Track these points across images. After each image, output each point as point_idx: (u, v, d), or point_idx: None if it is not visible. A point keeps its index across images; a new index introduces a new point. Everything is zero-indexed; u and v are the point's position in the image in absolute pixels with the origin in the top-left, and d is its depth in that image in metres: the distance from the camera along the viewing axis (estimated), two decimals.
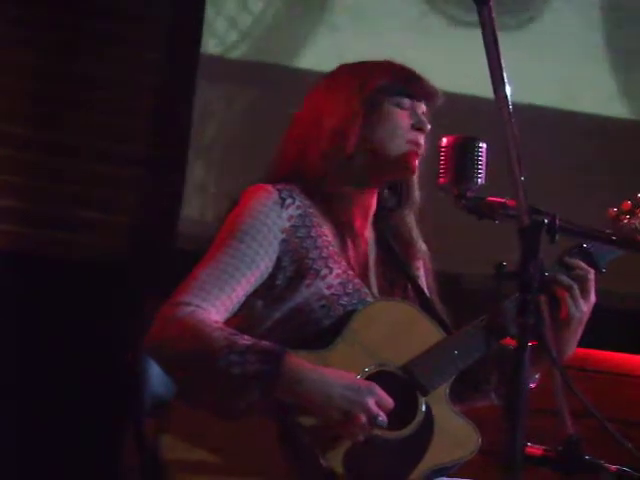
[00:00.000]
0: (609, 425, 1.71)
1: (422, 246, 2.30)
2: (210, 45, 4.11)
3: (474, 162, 2.02)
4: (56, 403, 3.68)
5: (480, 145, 2.04)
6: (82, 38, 4.00)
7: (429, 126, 2.18)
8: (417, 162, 2.17)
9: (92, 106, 4.01)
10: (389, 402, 1.99)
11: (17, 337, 3.73)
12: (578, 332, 2.15)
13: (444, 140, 2.06)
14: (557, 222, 1.64)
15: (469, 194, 2.00)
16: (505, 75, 1.59)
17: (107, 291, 3.83)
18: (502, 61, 1.59)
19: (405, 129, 2.17)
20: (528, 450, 1.86)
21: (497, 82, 1.58)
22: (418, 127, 2.17)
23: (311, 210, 2.17)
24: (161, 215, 4.09)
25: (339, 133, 2.15)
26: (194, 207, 4.09)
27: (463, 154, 2.03)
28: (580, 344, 2.19)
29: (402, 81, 2.19)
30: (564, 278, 2.10)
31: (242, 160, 4.10)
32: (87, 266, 3.91)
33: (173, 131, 4.11)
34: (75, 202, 4.00)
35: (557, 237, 1.65)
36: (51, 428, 3.68)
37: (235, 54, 4.14)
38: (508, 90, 1.59)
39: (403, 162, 2.17)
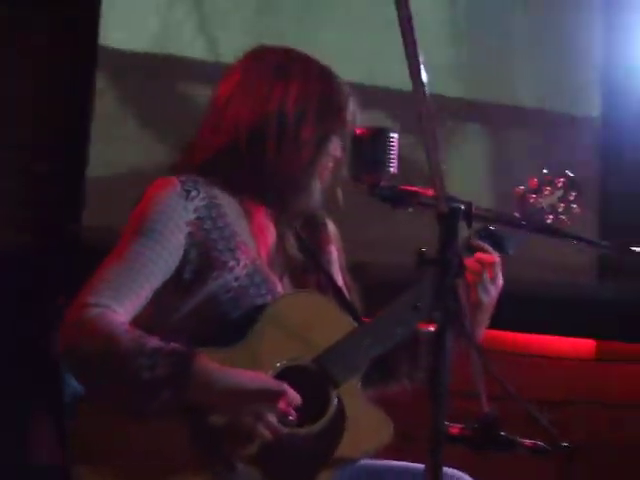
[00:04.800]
0: (524, 402, 1.77)
1: (332, 228, 2.33)
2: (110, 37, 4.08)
3: (386, 152, 2.05)
4: None
5: (392, 135, 2.07)
6: None
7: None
8: None
9: None
10: (297, 399, 1.99)
11: None
12: (487, 315, 2.21)
13: (356, 131, 2.10)
14: (473, 209, 1.69)
15: (383, 183, 2.04)
16: (422, 61, 1.60)
17: (13, 286, 3.77)
18: (418, 47, 1.60)
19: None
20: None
21: (414, 69, 1.61)
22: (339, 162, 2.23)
23: (217, 201, 2.15)
24: (63, 207, 4.04)
25: (316, 142, 2.17)
26: (97, 199, 4.05)
27: (375, 144, 2.06)
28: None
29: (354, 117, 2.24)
30: (474, 264, 2.15)
31: (146, 149, 4.09)
32: None
33: (73, 121, 4.07)
34: None
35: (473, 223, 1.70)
36: None
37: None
38: (424, 77, 1.61)
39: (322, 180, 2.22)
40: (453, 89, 4.33)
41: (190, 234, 2.09)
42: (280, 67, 2.20)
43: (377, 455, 2.17)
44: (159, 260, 2.05)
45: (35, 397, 3.44)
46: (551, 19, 4.56)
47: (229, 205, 2.17)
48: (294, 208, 2.22)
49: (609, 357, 4.41)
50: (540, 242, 2.33)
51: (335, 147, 2.21)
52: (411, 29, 1.56)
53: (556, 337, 4.35)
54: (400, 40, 1.57)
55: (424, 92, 1.61)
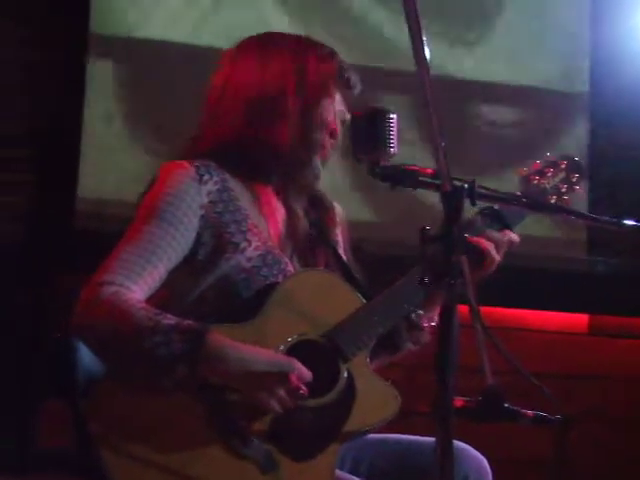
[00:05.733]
0: (528, 374, 1.80)
1: (339, 211, 2.38)
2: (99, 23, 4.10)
3: (387, 132, 2.07)
4: None
5: (391, 115, 2.10)
6: None
7: (348, 115, 2.27)
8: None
9: None
10: (308, 375, 2.04)
11: None
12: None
13: (355, 112, 2.13)
14: (476, 187, 1.72)
15: (383, 163, 2.06)
16: (425, 43, 1.64)
17: (9, 274, 3.79)
18: (421, 28, 1.64)
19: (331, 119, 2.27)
20: None
21: (418, 50, 1.65)
22: (342, 118, 2.27)
23: (228, 184, 2.20)
24: (56, 194, 4.06)
25: (314, 117, 2.22)
26: (89, 185, 4.07)
27: (375, 124, 2.08)
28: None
29: (345, 73, 2.28)
30: (497, 235, 2.23)
31: (138, 135, 4.10)
32: None
33: (64, 109, 4.08)
34: None
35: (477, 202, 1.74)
36: None
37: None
38: (428, 57, 1.66)
39: (322, 151, 2.26)
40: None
41: (203, 217, 2.15)
42: (259, 52, 2.27)
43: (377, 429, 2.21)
44: (172, 242, 2.10)
45: (38, 380, 3.47)
46: None
47: (239, 189, 2.22)
48: (300, 182, 2.26)
49: (601, 331, 4.46)
50: (531, 218, 2.38)
51: (328, 110, 2.25)
52: (415, 8, 1.59)
53: (549, 312, 4.39)
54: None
55: (427, 71, 1.65)
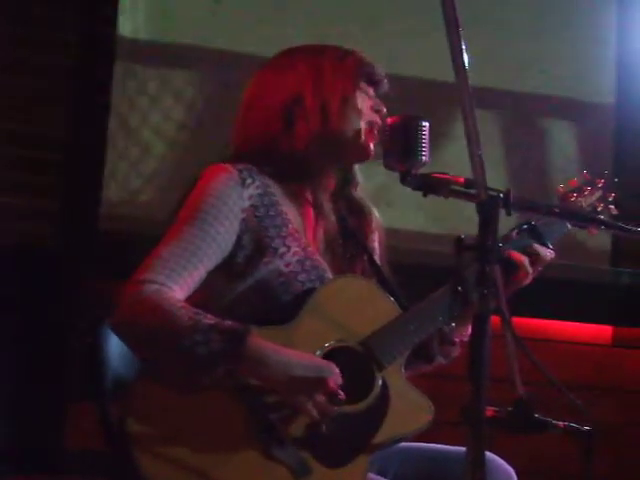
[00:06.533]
0: (559, 384, 1.80)
1: (376, 217, 2.37)
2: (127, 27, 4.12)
3: (418, 140, 2.08)
4: None
5: (423, 124, 2.10)
6: None
7: (384, 109, 2.27)
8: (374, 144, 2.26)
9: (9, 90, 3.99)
10: (339, 379, 2.04)
11: None
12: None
13: (388, 120, 2.13)
14: (511, 197, 1.72)
15: (414, 171, 2.07)
16: (465, 54, 1.64)
17: (36, 276, 3.81)
18: (462, 41, 1.64)
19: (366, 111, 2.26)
20: None
21: (457, 60, 1.65)
22: (377, 109, 2.26)
23: (270, 189, 2.21)
24: (82, 198, 4.08)
25: (337, 112, 2.22)
26: (114, 189, 4.09)
27: (407, 133, 2.09)
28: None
29: (365, 67, 2.28)
30: (532, 250, 2.25)
31: (161, 140, 4.12)
32: (11, 252, 3.89)
33: (91, 114, 4.10)
34: None
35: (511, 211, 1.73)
36: None
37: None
38: (467, 68, 1.66)
39: (363, 144, 2.25)
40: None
41: (244, 220, 2.16)
42: (282, 59, 2.31)
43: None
44: (213, 243, 2.12)
45: (68, 382, 3.48)
46: (565, 5, 4.60)
47: (281, 193, 2.23)
48: (324, 186, 2.27)
49: (626, 343, 4.44)
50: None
51: (353, 107, 2.24)
52: (454, 15, 1.59)
53: (573, 323, 4.38)
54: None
55: (466, 80, 1.65)
